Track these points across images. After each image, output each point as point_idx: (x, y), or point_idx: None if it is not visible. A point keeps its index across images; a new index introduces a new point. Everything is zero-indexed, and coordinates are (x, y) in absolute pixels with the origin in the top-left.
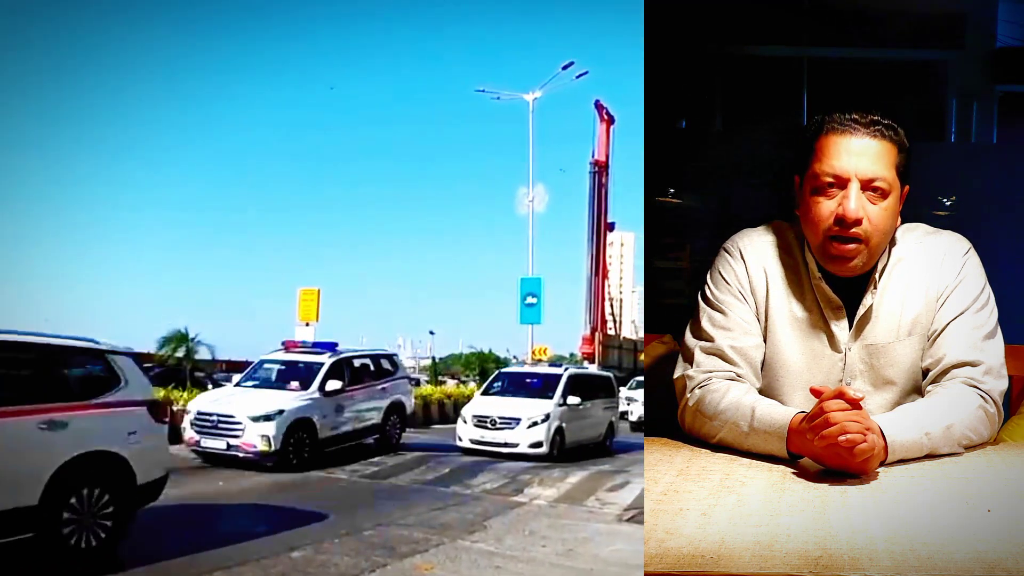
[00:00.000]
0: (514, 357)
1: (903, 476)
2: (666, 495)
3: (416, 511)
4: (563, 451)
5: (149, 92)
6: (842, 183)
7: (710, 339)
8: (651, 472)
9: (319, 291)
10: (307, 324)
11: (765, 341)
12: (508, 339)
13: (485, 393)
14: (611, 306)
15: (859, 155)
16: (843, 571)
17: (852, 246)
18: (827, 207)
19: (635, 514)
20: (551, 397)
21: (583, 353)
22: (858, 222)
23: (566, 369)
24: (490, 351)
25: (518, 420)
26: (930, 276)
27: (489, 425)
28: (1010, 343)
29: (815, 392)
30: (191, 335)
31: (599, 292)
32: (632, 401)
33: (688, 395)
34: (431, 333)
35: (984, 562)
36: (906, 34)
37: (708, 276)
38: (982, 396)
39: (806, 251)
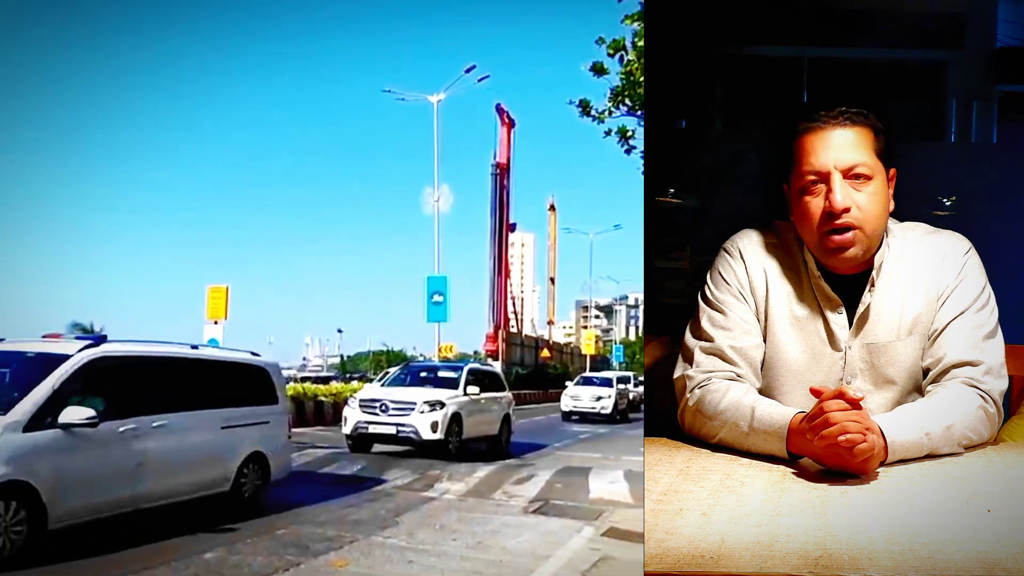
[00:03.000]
0: (420, 355)
1: (903, 476)
2: (666, 495)
3: (329, 508)
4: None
5: None
6: (824, 177)
7: (710, 339)
8: (651, 472)
9: (227, 288)
10: (215, 322)
11: (765, 341)
12: (415, 337)
13: None
14: (513, 304)
15: (835, 147)
16: (843, 571)
17: (848, 235)
18: (815, 204)
19: (540, 506)
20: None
21: (487, 350)
22: (847, 211)
23: (82, 350)
24: (392, 349)
25: None
26: (930, 275)
27: None
28: (1010, 343)
29: (815, 392)
30: (98, 330)
31: (502, 291)
32: (347, 417)
33: (688, 395)
34: (339, 331)
35: (984, 562)
36: (906, 34)
37: (708, 276)
38: (982, 396)
39: (805, 251)
